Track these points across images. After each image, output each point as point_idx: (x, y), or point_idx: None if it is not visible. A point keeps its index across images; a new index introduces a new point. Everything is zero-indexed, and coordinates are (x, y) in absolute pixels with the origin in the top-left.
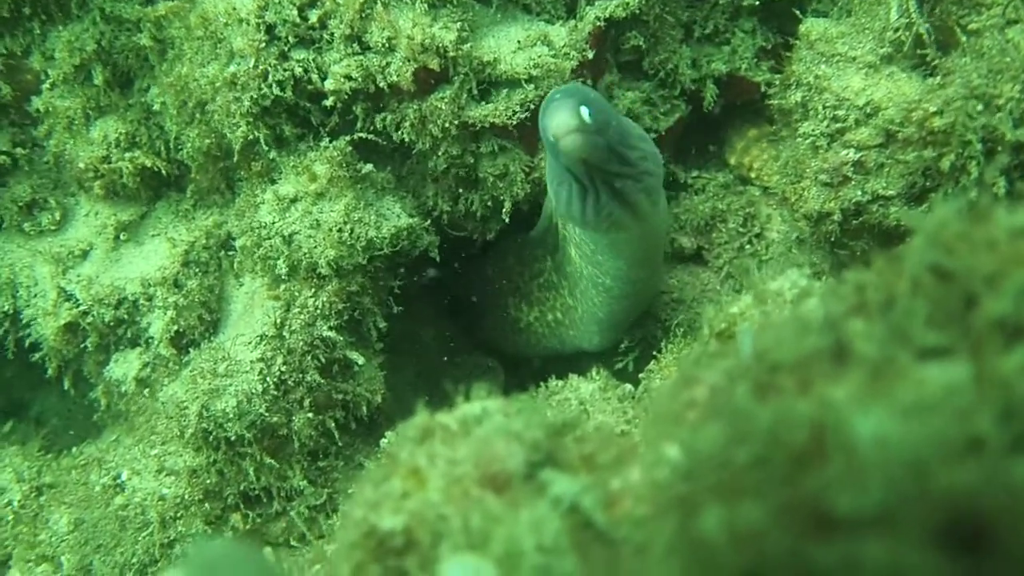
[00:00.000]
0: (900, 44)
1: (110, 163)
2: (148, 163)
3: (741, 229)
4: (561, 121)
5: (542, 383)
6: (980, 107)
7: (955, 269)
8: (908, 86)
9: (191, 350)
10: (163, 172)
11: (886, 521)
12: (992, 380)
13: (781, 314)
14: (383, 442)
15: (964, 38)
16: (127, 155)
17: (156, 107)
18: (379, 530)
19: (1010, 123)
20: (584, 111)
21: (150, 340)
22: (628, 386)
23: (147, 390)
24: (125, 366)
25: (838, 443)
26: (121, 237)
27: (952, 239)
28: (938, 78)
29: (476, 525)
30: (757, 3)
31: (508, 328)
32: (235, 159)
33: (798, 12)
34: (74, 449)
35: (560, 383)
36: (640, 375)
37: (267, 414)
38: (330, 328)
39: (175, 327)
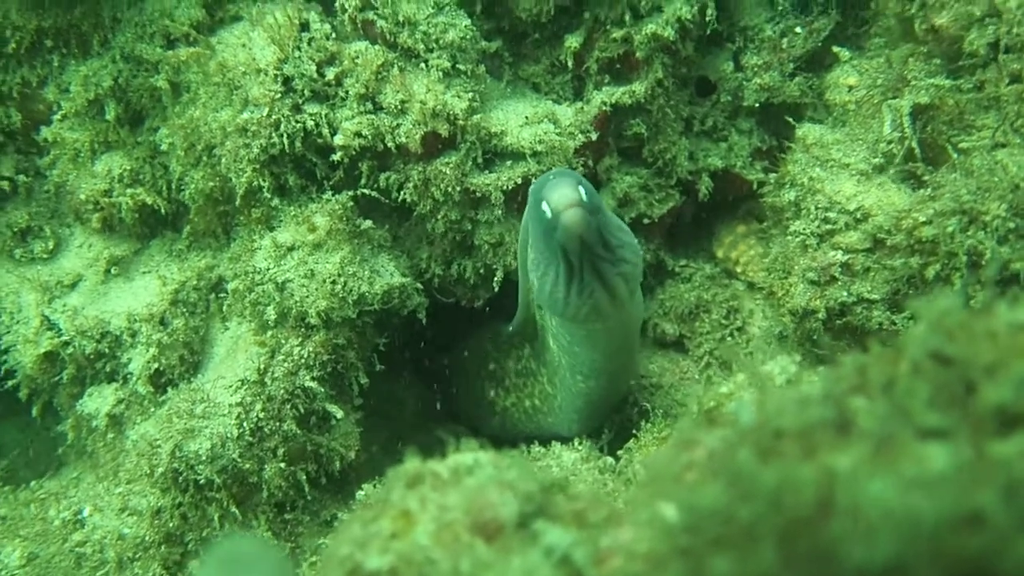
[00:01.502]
0: (892, 156)
1: (111, 197)
2: (149, 200)
3: (724, 321)
4: (564, 194)
5: (525, 449)
6: (967, 222)
7: (956, 356)
8: (897, 196)
9: (168, 389)
10: (162, 211)
11: (897, 571)
12: (992, 463)
13: (776, 394)
14: (359, 495)
15: (955, 155)
16: (129, 191)
17: (163, 147)
18: (364, 569)
19: (995, 240)
20: (582, 190)
21: (128, 376)
22: (609, 459)
23: (117, 427)
24: (99, 400)
25: (846, 504)
26: (112, 271)
27: (954, 328)
28: (928, 190)
29: (466, 570)
30: (756, 106)
31: (485, 411)
32: (236, 204)
33: (792, 120)
34: (33, 483)
35: (542, 450)
36: (618, 452)
37: (240, 460)
38: (312, 379)
39: (156, 365)
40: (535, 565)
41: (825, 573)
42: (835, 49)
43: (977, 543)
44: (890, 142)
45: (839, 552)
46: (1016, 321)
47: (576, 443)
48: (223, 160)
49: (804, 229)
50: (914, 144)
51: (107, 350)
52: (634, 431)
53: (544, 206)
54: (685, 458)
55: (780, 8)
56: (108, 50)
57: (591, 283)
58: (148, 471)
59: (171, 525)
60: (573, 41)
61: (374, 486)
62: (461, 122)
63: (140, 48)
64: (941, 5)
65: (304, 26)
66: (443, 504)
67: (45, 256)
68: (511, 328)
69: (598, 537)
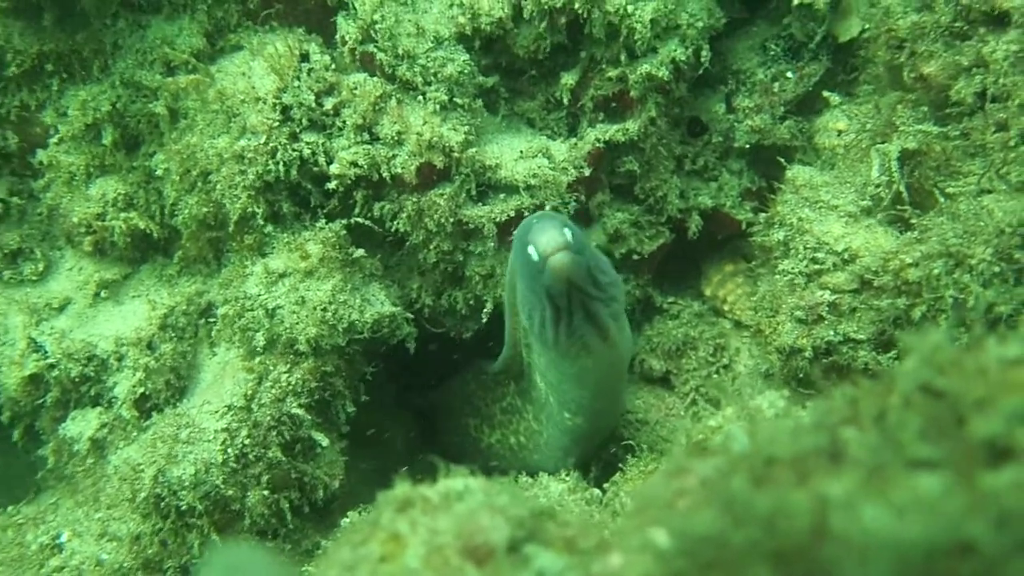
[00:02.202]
0: (879, 199)
1: (104, 220)
2: (142, 225)
3: (710, 358)
4: (551, 238)
5: (513, 478)
6: (954, 264)
7: (946, 389)
8: (884, 238)
9: (153, 414)
10: (154, 235)
11: None
12: (983, 494)
13: (767, 424)
14: (344, 521)
15: (942, 199)
16: (122, 215)
17: (159, 172)
18: None
19: (980, 283)
20: (567, 232)
21: (113, 400)
22: (596, 490)
23: (99, 451)
24: (82, 424)
25: (840, 530)
26: (101, 294)
27: (944, 362)
28: (915, 233)
29: None
30: (747, 147)
31: (469, 447)
32: (229, 230)
33: (783, 161)
34: (10, 508)
35: (530, 480)
36: (604, 485)
37: (223, 486)
38: (299, 406)
39: (141, 389)
40: None
41: None
42: (825, 94)
43: (969, 570)
44: (878, 185)
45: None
46: (1005, 357)
47: (563, 474)
48: (218, 186)
49: (793, 268)
50: (902, 188)
51: (93, 373)
52: (620, 465)
53: (531, 250)
54: (677, 485)
55: (772, 53)
56: (108, 75)
57: (581, 323)
58: (130, 496)
59: (150, 551)
60: (569, 78)
61: (359, 513)
62: (456, 154)
63: (140, 74)
64: (930, 54)
65: (304, 57)
66: (433, 528)
67: (34, 278)
68: (496, 366)
69: (589, 563)
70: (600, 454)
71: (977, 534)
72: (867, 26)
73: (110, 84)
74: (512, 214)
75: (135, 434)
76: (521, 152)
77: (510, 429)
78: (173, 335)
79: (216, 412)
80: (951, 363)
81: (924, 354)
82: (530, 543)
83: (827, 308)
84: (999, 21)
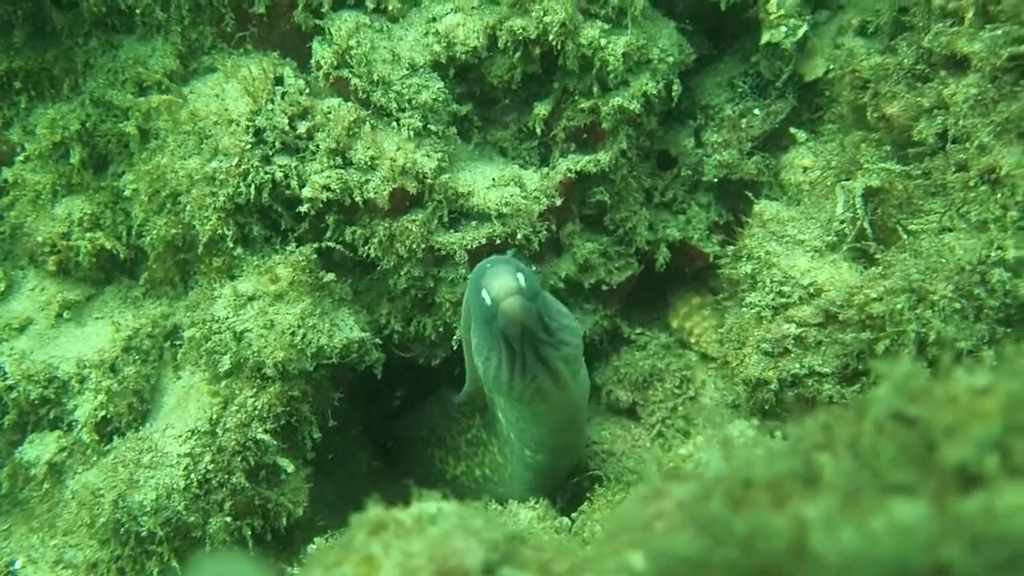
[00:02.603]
0: (844, 235)
1: (69, 240)
2: (108, 245)
3: (676, 390)
4: (504, 283)
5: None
6: (916, 300)
7: (918, 417)
8: (848, 273)
9: (114, 438)
10: (121, 256)
11: None
12: (957, 518)
13: (741, 449)
14: (310, 548)
15: (905, 236)
16: (88, 235)
17: (127, 193)
18: None
19: (941, 318)
20: (520, 277)
21: (73, 423)
22: (565, 519)
23: (57, 476)
24: (40, 448)
25: (820, 551)
26: (64, 315)
27: (916, 391)
28: (879, 268)
29: None
30: (715, 181)
31: (434, 478)
32: (198, 252)
33: (752, 195)
34: None
35: (499, 507)
36: (572, 515)
37: (185, 512)
38: (265, 431)
39: (103, 412)
40: None
41: None
42: (792, 130)
43: None
44: (843, 222)
45: None
46: (974, 387)
47: (532, 502)
48: (188, 208)
49: (760, 301)
50: (866, 224)
51: (53, 396)
52: (588, 495)
53: (484, 294)
54: (654, 508)
55: (740, 90)
56: (78, 94)
57: (533, 367)
58: (88, 521)
59: None
60: (542, 109)
61: (326, 540)
62: (429, 181)
63: (111, 94)
64: (892, 95)
65: (279, 80)
66: (407, 551)
67: None
68: (460, 398)
69: None
70: (566, 485)
71: (952, 558)
72: (832, 66)
73: (80, 103)
74: (484, 241)
75: (95, 458)
76: (493, 180)
77: (475, 461)
78: (137, 357)
79: (180, 436)
80: (922, 391)
81: (896, 382)
82: (504, 566)
83: (793, 341)
84: (959, 65)
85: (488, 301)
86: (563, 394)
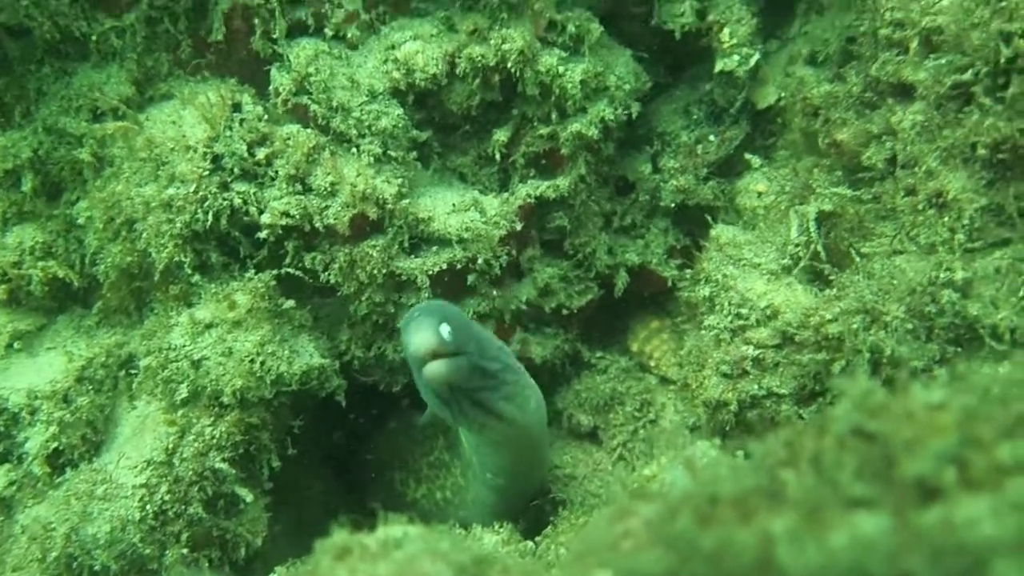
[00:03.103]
0: (798, 258)
1: (20, 269)
2: (61, 274)
3: (637, 413)
4: (422, 341)
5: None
6: (870, 321)
7: (877, 432)
8: (803, 296)
9: (67, 470)
10: (74, 285)
11: None
12: (917, 531)
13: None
14: None
15: (858, 259)
16: (40, 263)
17: (80, 221)
18: None
19: (894, 339)
20: (444, 330)
21: (23, 456)
22: (530, 543)
23: (6, 510)
24: None
25: (787, 565)
26: (14, 346)
27: (874, 406)
28: (834, 290)
29: None
30: (672, 206)
31: (396, 502)
32: (155, 279)
33: (710, 219)
34: None
35: (463, 531)
36: (536, 538)
37: (140, 544)
38: (223, 460)
39: (55, 444)
40: None
41: None
42: (747, 156)
43: None
44: (797, 245)
45: None
46: (930, 402)
47: (496, 527)
48: (144, 235)
49: (718, 324)
50: (819, 248)
51: (2, 428)
52: (551, 519)
53: (405, 348)
54: (620, 528)
55: (695, 117)
56: (30, 122)
57: (471, 411)
58: (39, 556)
59: None
60: (501, 135)
61: (287, 568)
62: (390, 206)
63: (64, 121)
64: (842, 122)
65: (236, 107)
66: (373, 575)
67: None
68: (424, 419)
69: None
70: (527, 508)
71: (914, 569)
72: (783, 94)
73: (32, 130)
74: (445, 266)
75: (46, 491)
76: (454, 205)
77: (436, 484)
78: (91, 387)
79: (135, 467)
80: (880, 407)
81: (855, 398)
82: None
83: (751, 363)
84: (906, 92)
85: (412, 358)
86: (509, 429)
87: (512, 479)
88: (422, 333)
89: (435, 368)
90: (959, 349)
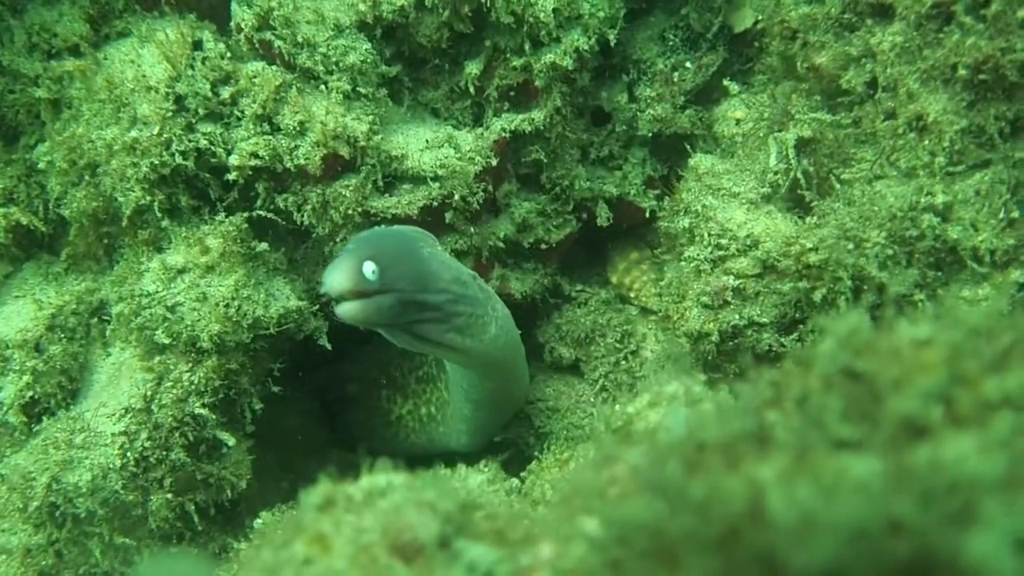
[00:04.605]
0: (778, 186)
1: None
2: (24, 220)
3: (618, 345)
4: (333, 282)
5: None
6: (851, 247)
7: (864, 371)
8: (783, 224)
9: (44, 419)
10: (38, 231)
11: (841, 573)
12: (906, 471)
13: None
14: (256, 523)
15: (838, 186)
16: (1, 210)
17: (41, 165)
18: None
19: (875, 265)
20: (368, 268)
21: None
22: (515, 480)
23: None
24: None
25: (778, 511)
26: None
27: (861, 344)
28: (815, 218)
29: None
30: (649, 136)
31: (377, 421)
32: (123, 224)
33: (688, 147)
34: None
35: (448, 471)
36: (521, 474)
37: (123, 491)
38: (203, 405)
39: (30, 393)
40: None
41: None
42: (725, 82)
43: (904, 548)
44: (776, 173)
45: (780, 557)
46: (916, 338)
47: (482, 465)
48: (108, 179)
49: (698, 255)
50: (799, 175)
51: None
52: (536, 454)
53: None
54: (607, 474)
55: (671, 43)
56: None
57: (416, 344)
58: (21, 506)
59: (45, 564)
60: (473, 68)
61: (272, 514)
62: (362, 144)
63: (18, 62)
64: (821, 45)
65: (197, 44)
66: (359, 526)
67: None
68: None
69: (518, 555)
70: (507, 437)
71: (903, 512)
72: (760, 17)
73: None
74: (420, 205)
75: (24, 440)
76: (427, 142)
77: (423, 399)
78: (62, 336)
79: (113, 415)
80: (866, 345)
81: (841, 337)
82: (460, 538)
83: (732, 293)
84: (885, 13)
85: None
86: (467, 357)
87: (484, 393)
88: (335, 273)
89: (343, 309)
90: (940, 273)
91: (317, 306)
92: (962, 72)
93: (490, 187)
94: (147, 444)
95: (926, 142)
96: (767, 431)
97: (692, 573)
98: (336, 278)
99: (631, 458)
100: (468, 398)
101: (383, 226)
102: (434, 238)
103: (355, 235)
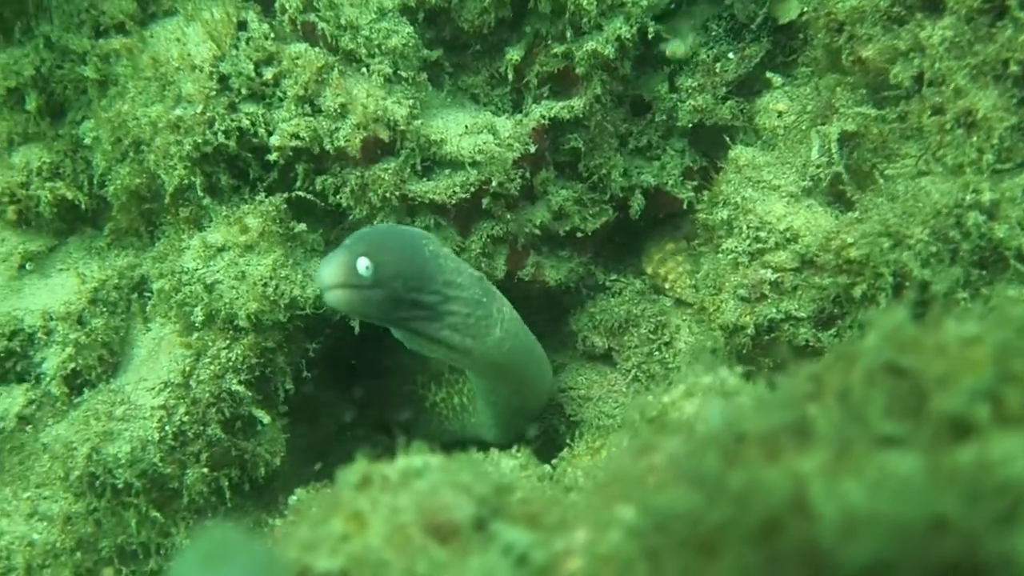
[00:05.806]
0: (819, 180)
1: (28, 190)
2: (69, 195)
3: (651, 336)
4: (328, 274)
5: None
6: (893, 244)
7: (909, 367)
8: (824, 218)
9: (84, 391)
10: (83, 206)
11: (886, 570)
12: (951, 470)
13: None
14: (291, 499)
15: (881, 181)
16: (48, 184)
17: (87, 141)
18: (314, 571)
19: (918, 262)
20: (363, 264)
21: (41, 376)
22: (547, 467)
23: (27, 429)
24: (8, 401)
25: (821, 505)
26: (27, 267)
27: (906, 341)
28: (856, 212)
29: (421, 572)
30: (689, 126)
31: (414, 407)
32: (165, 201)
33: (728, 139)
34: None
35: (481, 455)
36: (553, 461)
37: (161, 464)
38: (239, 382)
39: (72, 365)
40: (493, 566)
41: (812, 571)
42: (768, 74)
43: (948, 547)
44: (818, 166)
45: (824, 551)
46: (964, 335)
47: (514, 450)
48: (152, 156)
49: (736, 247)
50: (841, 169)
51: (19, 349)
52: (568, 441)
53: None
54: (645, 463)
55: (714, 33)
56: (31, 38)
57: (414, 340)
58: (62, 474)
59: (84, 531)
60: (514, 54)
61: (307, 491)
62: (402, 127)
63: (67, 38)
64: (868, 38)
65: (242, 25)
66: (395, 506)
67: None
68: None
69: (553, 540)
70: (539, 426)
71: (949, 511)
72: (806, 8)
73: (34, 47)
74: (458, 190)
75: (66, 411)
76: (466, 127)
77: (455, 388)
78: (104, 309)
79: (152, 389)
80: (912, 341)
81: (886, 332)
82: (495, 520)
83: (769, 286)
84: (935, 7)
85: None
86: (467, 358)
87: (500, 400)
88: (328, 267)
89: (332, 296)
90: (983, 272)
91: None
92: (1014, 68)
93: (527, 174)
94: (185, 419)
95: (974, 139)
96: (807, 424)
97: (731, 564)
98: (328, 271)
99: (669, 447)
100: (487, 401)
101: (387, 224)
102: (437, 240)
103: (356, 232)
